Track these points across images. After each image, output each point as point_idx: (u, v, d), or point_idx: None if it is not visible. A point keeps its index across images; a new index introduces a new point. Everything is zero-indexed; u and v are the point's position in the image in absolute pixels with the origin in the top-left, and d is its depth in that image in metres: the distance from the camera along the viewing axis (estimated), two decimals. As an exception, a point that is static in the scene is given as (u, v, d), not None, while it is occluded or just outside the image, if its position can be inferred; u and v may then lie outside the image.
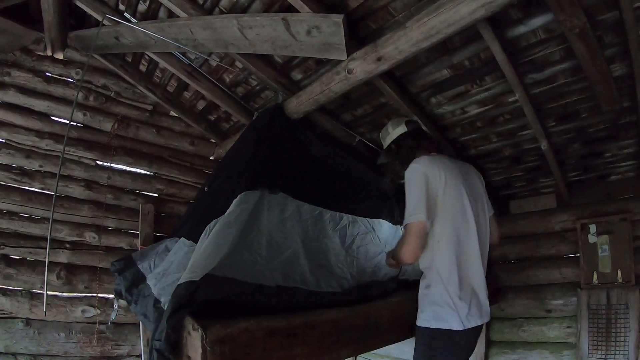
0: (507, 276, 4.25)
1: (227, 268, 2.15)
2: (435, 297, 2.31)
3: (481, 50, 2.79)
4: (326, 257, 2.88)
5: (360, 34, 2.84)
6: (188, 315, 1.82)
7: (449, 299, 2.25)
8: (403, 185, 2.44)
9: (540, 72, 2.89)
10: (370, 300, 2.69)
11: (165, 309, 2.26)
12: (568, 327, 3.82)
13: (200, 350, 1.68)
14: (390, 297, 2.82)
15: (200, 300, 1.89)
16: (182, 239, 2.99)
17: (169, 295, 2.21)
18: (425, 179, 2.29)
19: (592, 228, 3.77)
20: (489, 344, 4.25)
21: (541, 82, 2.97)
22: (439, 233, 2.32)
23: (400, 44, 2.48)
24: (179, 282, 2.01)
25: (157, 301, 2.56)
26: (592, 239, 3.75)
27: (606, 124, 3.26)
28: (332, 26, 2.53)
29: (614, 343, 3.48)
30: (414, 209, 2.23)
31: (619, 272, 3.58)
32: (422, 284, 2.46)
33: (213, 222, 2.53)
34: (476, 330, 2.34)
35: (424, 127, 3.27)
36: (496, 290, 4.17)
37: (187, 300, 1.88)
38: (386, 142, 2.89)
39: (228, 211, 2.51)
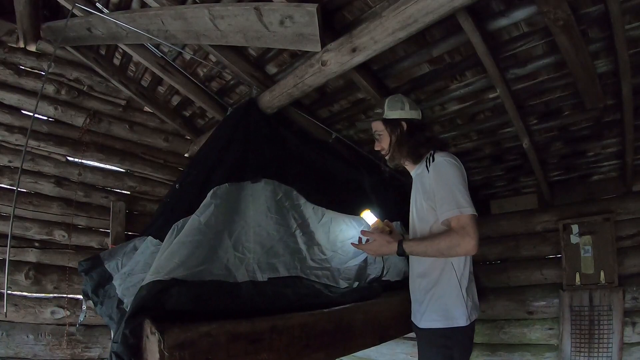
0: (488, 277, 4.24)
1: (207, 270, 2.09)
2: (444, 294, 2.26)
3: (461, 43, 2.73)
4: (321, 246, 2.89)
5: (336, 26, 2.76)
6: (148, 318, 1.72)
7: (460, 294, 2.24)
8: (396, 179, 2.44)
9: (522, 67, 2.85)
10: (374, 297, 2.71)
11: (126, 309, 2.18)
12: (550, 328, 3.82)
13: (157, 356, 1.58)
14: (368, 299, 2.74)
15: (169, 305, 1.80)
16: (150, 237, 2.89)
17: (132, 296, 2.12)
18: (463, 176, 2.23)
19: (575, 228, 3.76)
20: (470, 346, 4.21)
21: (523, 77, 2.93)
22: None
23: (376, 33, 2.41)
24: (142, 284, 1.92)
25: (120, 302, 2.49)
26: (574, 239, 3.75)
27: (589, 122, 3.25)
28: (306, 16, 2.44)
29: (597, 345, 3.48)
30: (467, 201, 2.11)
31: (602, 273, 3.58)
32: (426, 283, 2.35)
33: (182, 220, 2.44)
34: (474, 324, 2.35)
35: None
36: (478, 291, 4.15)
37: (151, 302, 1.78)
38: (395, 114, 2.45)
39: (198, 209, 2.43)
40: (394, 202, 3.51)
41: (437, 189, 2.20)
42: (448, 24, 2.59)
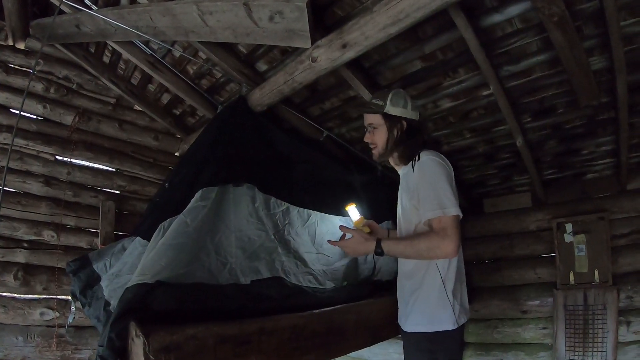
0: (481, 276, 4.23)
1: (191, 273, 2.05)
2: (429, 296, 2.18)
3: (454, 40, 2.70)
4: (298, 253, 2.81)
5: (326, 22, 2.72)
6: (134, 320, 1.68)
7: (444, 297, 2.15)
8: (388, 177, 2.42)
9: (516, 64, 2.82)
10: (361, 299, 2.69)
11: (112, 311, 2.15)
12: (544, 328, 3.82)
13: (142, 359, 1.54)
14: (358, 300, 2.71)
15: (154, 308, 1.76)
16: (138, 238, 2.85)
17: (119, 293, 2.09)
18: (449, 174, 2.14)
19: (569, 227, 3.75)
20: (464, 346, 4.18)
21: (517, 74, 2.90)
22: None
23: (367, 29, 2.37)
24: (127, 285, 1.89)
25: (107, 304, 2.47)
26: (568, 238, 3.73)
27: (583, 120, 3.23)
28: (295, 11, 2.39)
29: (591, 344, 3.48)
30: (451, 201, 2.02)
31: (596, 272, 3.57)
32: (411, 284, 2.27)
33: (168, 220, 2.42)
34: (463, 327, 2.27)
35: None
36: (470, 291, 4.13)
37: (136, 304, 1.75)
38: (397, 110, 2.34)
39: (185, 210, 2.40)
40: (386, 200, 3.47)
41: (421, 188, 2.13)
42: (440, 20, 2.55)
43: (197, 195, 2.47)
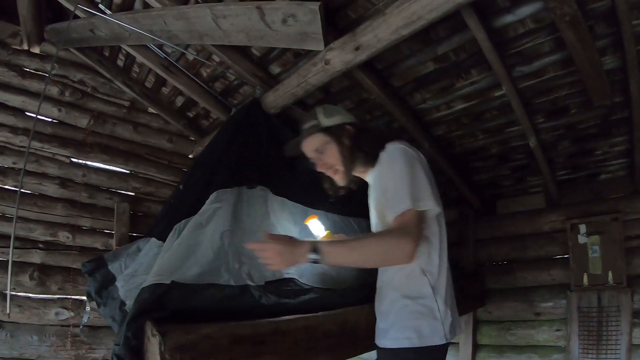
0: (494, 278, 4.20)
1: (206, 274, 2.05)
2: (417, 307, 1.79)
3: (467, 41, 2.71)
4: None
5: (339, 25, 2.74)
6: (150, 320, 1.70)
7: (435, 308, 1.78)
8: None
9: (528, 65, 2.81)
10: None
11: (128, 311, 2.17)
12: (558, 330, 3.78)
13: (158, 358, 1.55)
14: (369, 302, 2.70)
15: (169, 308, 1.78)
16: (153, 239, 2.88)
17: (135, 298, 2.11)
18: (421, 163, 1.82)
19: (582, 228, 3.72)
20: (476, 348, 4.20)
21: (529, 75, 2.89)
22: (432, 229, 1.85)
23: (380, 31, 2.39)
24: (143, 285, 1.91)
25: (122, 304, 2.47)
26: (582, 239, 3.70)
27: (597, 121, 3.20)
28: (309, 14, 2.41)
29: (605, 346, 3.44)
30: (419, 193, 1.70)
31: (610, 274, 3.54)
32: (395, 293, 1.88)
33: (183, 222, 2.44)
34: (449, 343, 1.85)
35: None
36: (482, 293, 4.11)
37: (152, 304, 1.76)
38: (334, 120, 2.07)
39: (200, 211, 2.42)
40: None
41: (390, 180, 1.81)
42: (453, 21, 2.56)
43: (212, 197, 2.48)
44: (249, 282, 2.17)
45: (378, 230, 1.90)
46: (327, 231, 2.32)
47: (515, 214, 4.20)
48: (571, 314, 3.63)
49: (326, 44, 2.58)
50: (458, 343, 4.26)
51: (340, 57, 2.62)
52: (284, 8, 2.48)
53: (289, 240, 1.75)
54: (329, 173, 2.11)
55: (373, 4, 2.56)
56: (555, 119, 3.25)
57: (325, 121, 2.06)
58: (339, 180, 2.10)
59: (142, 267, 2.72)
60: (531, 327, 3.93)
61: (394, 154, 1.85)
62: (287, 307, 2.16)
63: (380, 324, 1.98)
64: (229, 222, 2.41)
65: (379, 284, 2.05)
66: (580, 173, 3.80)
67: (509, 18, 2.51)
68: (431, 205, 1.72)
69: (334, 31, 2.68)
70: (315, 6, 2.36)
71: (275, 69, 3.40)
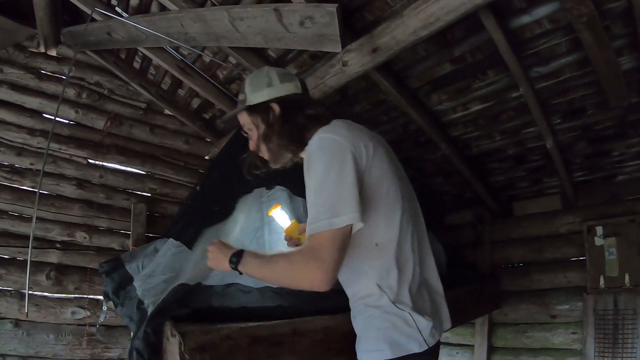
0: (510, 280, 4.17)
1: (230, 275, 2.07)
2: (387, 317, 1.56)
3: (483, 42, 2.70)
4: None
5: (356, 26, 2.74)
6: (170, 319, 1.71)
7: (406, 316, 1.54)
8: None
9: (545, 65, 2.80)
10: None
11: (148, 310, 2.19)
12: (573, 333, 3.75)
13: (177, 358, 1.58)
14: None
15: (192, 306, 1.80)
16: (171, 239, 2.89)
17: (153, 296, 2.13)
18: (350, 154, 1.48)
19: (599, 230, 3.68)
20: (492, 350, 4.18)
21: (546, 76, 2.88)
22: (376, 233, 1.57)
23: (398, 33, 2.39)
24: (171, 287, 1.93)
25: (140, 302, 2.48)
26: (598, 241, 3.67)
27: (613, 121, 3.17)
28: (326, 16, 2.42)
29: (620, 350, 3.40)
30: (338, 206, 1.39)
31: (627, 276, 3.50)
32: (357, 304, 1.68)
33: (214, 227, 2.50)
34: (437, 346, 1.66)
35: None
36: (497, 295, 4.09)
37: (175, 302, 1.79)
38: (261, 95, 1.76)
39: (230, 217, 2.49)
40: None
41: (307, 185, 1.55)
42: (469, 23, 2.55)
43: (239, 202, 2.53)
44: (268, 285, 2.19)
45: (292, 250, 1.61)
46: (293, 220, 2.09)
47: (532, 215, 4.17)
48: (587, 317, 3.60)
49: (343, 45, 2.58)
50: (473, 346, 4.25)
51: (357, 58, 2.63)
52: (301, 10, 2.49)
53: (222, 244, 1.71)
54: (260, 154, 1.85)
55: (390, 6, 2.56)
56: (572, 120, 3.23)
57: (250, 97, 1.78)
58: (271, 164, 1.85)
59: (160, 268, 2.74)
60: (547, 330, 3.90)
61: (314, 149, 1.55)
62: (306, 307, 2.17)
63: (357, 332, 1.74)
64: (250, 225, 2.43)
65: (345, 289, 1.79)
66: (597, 174, 3.77)
67: (525, 19, 2.50)
68: (353, 219, 1.38)
69: (350, 33, 2.68)
70: (333, 8, 2.37)
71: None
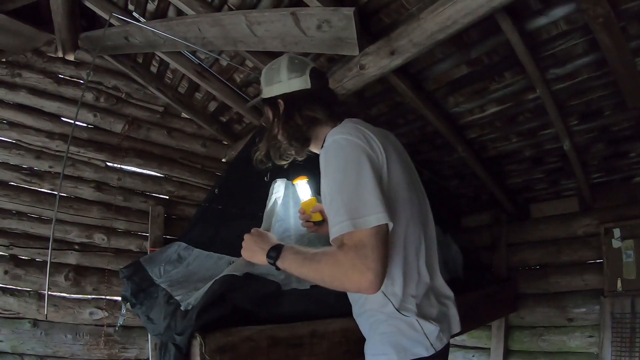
0: (527, 283, 4.14)
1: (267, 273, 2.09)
2: (392, 321, 1.54)
3: (500, 44, 2.70)
4: None
5: (373, 30, 2.76)
6: (218, 317, 1.72)
7: (412, 321, 1.52)
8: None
9: (562, 67, 2.79)
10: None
11: (180, 303, 2.19)
12: (590, 336, 3.71)
13: (198, 359, 1.59)
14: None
15: (239, 297, 1.83)
16: (210, 252, 2.86)
17: (186, 291, 2.16)
18: (366, 154, 1.44)
19: (616, 232, 3.65)
20: (508, 353, 4.15)
21: (563, 77, 2.87)
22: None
23: (415, 36, 2.39)
24: (216, 278, 1.93)
25: (171, 297, 2.45)
26: (616, 243, 3.64)
27: (631, 122, 3.15)
28: (343, 20, 2.43)
29: (638, 353, 3.38)
30: (364, 206, 1.33)
31: (645, 279, 3.46)
32: (359, 307, 1.70)
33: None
34: (446, 349, 1.64)
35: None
36: (514, 298, 4.07)
37: (219, 296, 1.80)
38: (273, 89, 1.80)
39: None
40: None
41: (323, 191, 1.50)
42: (486, 25, 2.54)
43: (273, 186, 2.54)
44: (295, 286, 2.19)
45: (333, 248, 1.40)
46: (313, 197, 2.05)
47: (549, 218, 4.14)
48: (604, 320, 3.56)
49: (361, 49, 2.59)
50: (489, 349, 4.24)
51: (375, 61, 2.63)
52: (318, 14, 2.50)
53: (260, 235, 1.66)
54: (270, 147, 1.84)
55: (407, 9, 2.57)
56: (589, 122, 3.21)
57: (265, 90, 1.83)
58: (274, 158, 1.86)
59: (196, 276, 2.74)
60: (563, 333, 3.87)
61: (328, 152, 1.49)
62: (331, 310, 2.16)
63: (362, 332, 1.74)
64: (282, 214, 2.44)
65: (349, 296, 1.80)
66: (614, 176, 3.74)
67: (542, 20, 2.50)
68: (381, 219, 1.32)
69: (367, 36, 2.69)
70: (350, 12, 2.38)
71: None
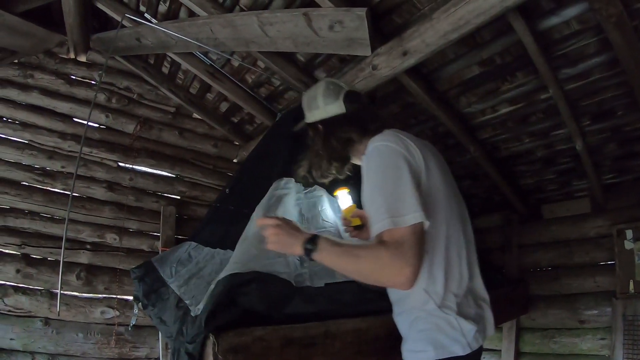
0: (539, 285, 4.11)
1: (274, 267, 2.10)
2: (432, 319, 1.61)
3: (512, 44, 2.68)
4: None
5: (384, 30, 2.75)
6: (228, 321, 1.72)
7: (451, 319, 1.59)
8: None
9: (574, 67, 2.76)
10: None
11: (190, 307, 2.20)
12: (602, 339, 3.66)
13: (211, 359, 1.60)
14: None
15: (249, 300, 1.83)
16: (218, 249, 2.90)
17: (195, 293, 2.16)
18: (404, 159, 1.55)
19: (629, 234, 3.61)
20: (519, 355, 4.12)
21: (575, 77, 2.84)
22: (427, 237, 1.53)
23: (427, 36, 2.39)
24: (219, 278, 1.95)
25: (180, 300, 2.47)
26: (628, 245, 3.60)
27: (643, 122, 3.11)
28: (356, 20, 2.43)
29: (650, 355, 3.33)
30: (402, 205, 1.44)
31: (657, 281, 3.43)
32: (400, 306, 1.78)
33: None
34: (480, 351, 1.69)
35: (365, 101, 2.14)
36: (526, 299, 4.05)
37: (229, 299, 1.80)
38: (313, 115, 2.02)
39: (266, 196, 2.56)
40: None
41: (365, 193, 1.61)
42: (498, 25, 2.54)
43: (276, 183, 2.60)
44: (310, 284, 2.19)
45: (372, 242, 1.50)
46: (353, 204, 2.22)
47: (561, 219, 4.10)
48: (616, 323, 3.52)
49: (373, 49, 2.59)
50: (500, 350, 4.21)
51: (387, 62, 2.62)
52: (330, 14, 2.50)
53: (292, 224, 1.69)
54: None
55: (418, 9, 2.56)
56: (601, 122, 3.18)
57: (307, 115, 2.06)
58: (316, 177, 2.03)
59: (205, 271, 2.76)
60: (575, 336, 3.82)
61: (369, 157, 1.64)
62: (346, 310, 2.16)
63: (402, 334, 1.81)
64: (290, 214, 2.44)
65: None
66: (627, 176, 3.70)
67: (554, 20, 2.48)
68: (417, 218, 1.43)
69: (379, 36, 2.68)
70: (362, 12, 2.38)
71: (320, 74, 3.44)
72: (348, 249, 1.54)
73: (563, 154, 3.57)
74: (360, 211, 2.09)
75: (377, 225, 1.45)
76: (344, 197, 2.27)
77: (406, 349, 1.72)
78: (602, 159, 3.53)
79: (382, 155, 1.59)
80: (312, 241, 1.56)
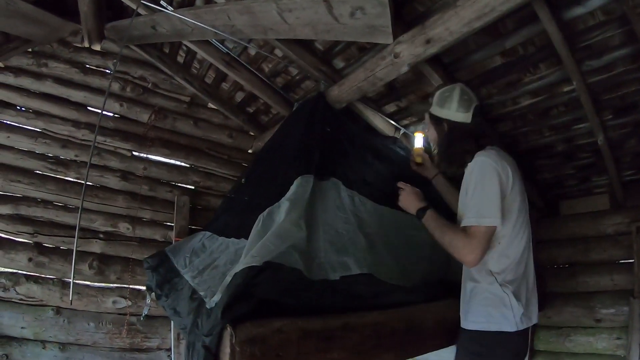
0: (555, 281, 4.06)
1: (291, 257, 2.06)
2: (488, 295, 2.13)
3: (536, 34, 2.60)
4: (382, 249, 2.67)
5: (406, 18, 2.69)
6: (244, 312, 1.70)
7: (505, 297, 2.09)
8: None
9: (597, 59, 2.69)
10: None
11: (204, 299, 2.19)
12: (618, 338, 3.62)
13: (228, 350, 1.59)
14: (435, 300, 2.63)
15: (262, 290, 1.81)
16: (233, 239, 2.88)
17: (210, 285, 2.15)
18: (498, 176, 2.07)
19: (647, 231, 3.55)
20: (533, 353, 4.08)
21: (599, 69, 2.76)
22: (501, 235, 2.12)
23: (451, 24, 2.32)
24: (235, 271, 1.91)
25: (194, 292, 2.45)
26: (647, 243, 3.54)
27: (667, 118, 3.04)
28: (378, 6, 2.38)
29: (667, 357, 3.28)
30: (487, 210, 2.02)
31: (675, 280, 3.37)
32: (470, 284, 2.25)
33: (266, 210, 2.52)
34: (526, 332, 2.18)
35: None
36: (542, 296, 4.01)
37: (245, 291, 1.77)
38: (441, 111, 2.48)
39: (288, 193, 2.50)
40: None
41: (466, 192, 2.16)
42: (521, 14, 2.47)
43: (296, 181, 2.54)
44: (324, 276, 2.17)
45: (459, 226, 2.15)
46: (423, 147, 3.02)
47: (579, 215, 4.05)
48: (633, 322, 3.47)
49: (394, 37, 2.55)
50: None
51: (409, 50, 2.56)
52: (351, 1, 2.45)
53: (418, 192, 2.51)
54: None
55: (441, -4, 2.50)
56: (623, 116, 3.10)
57: (434, 107, 2.52)
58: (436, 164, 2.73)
59: (220, 261, 2.73)
60: (590, 334, 3.77)
61: (473, 166, 2.16)
62: (362, 303, 2.15)
63: (462, 307, 2.32)
64: (310, 214, 2.42)
65: (462, 273, 2.39)
66: (647, 173, 3.65)
67: (579, 10, 2.40)
68: (494, 222, 2.03)
69: (401, 24, 2.63)
70: (385, -2, 2.33)
71: (339, 63, 3.38)
72: (442, 224, 2.23)
73: (583, 148, 3.50)
74: (424, 154, 2.96)
75: (465, 219, 2.09)
76: (419, 139, 3.02)
77: (465, 319, 2.26)
78: (623, 155, 3.46)
79: (484, 168, 2.11)
80: (424, 210, 2.34)
